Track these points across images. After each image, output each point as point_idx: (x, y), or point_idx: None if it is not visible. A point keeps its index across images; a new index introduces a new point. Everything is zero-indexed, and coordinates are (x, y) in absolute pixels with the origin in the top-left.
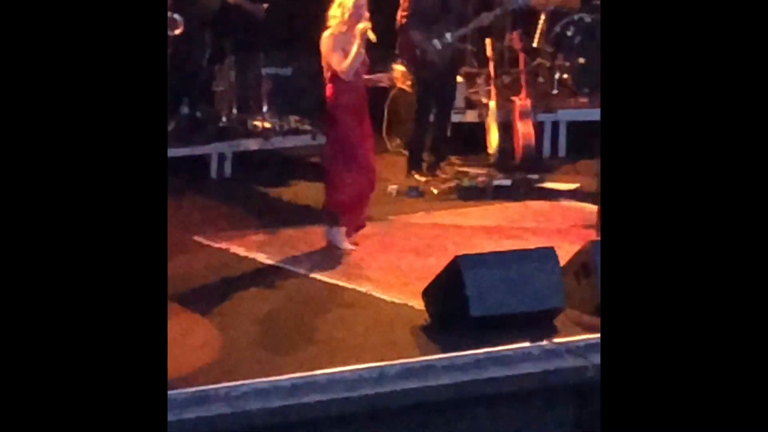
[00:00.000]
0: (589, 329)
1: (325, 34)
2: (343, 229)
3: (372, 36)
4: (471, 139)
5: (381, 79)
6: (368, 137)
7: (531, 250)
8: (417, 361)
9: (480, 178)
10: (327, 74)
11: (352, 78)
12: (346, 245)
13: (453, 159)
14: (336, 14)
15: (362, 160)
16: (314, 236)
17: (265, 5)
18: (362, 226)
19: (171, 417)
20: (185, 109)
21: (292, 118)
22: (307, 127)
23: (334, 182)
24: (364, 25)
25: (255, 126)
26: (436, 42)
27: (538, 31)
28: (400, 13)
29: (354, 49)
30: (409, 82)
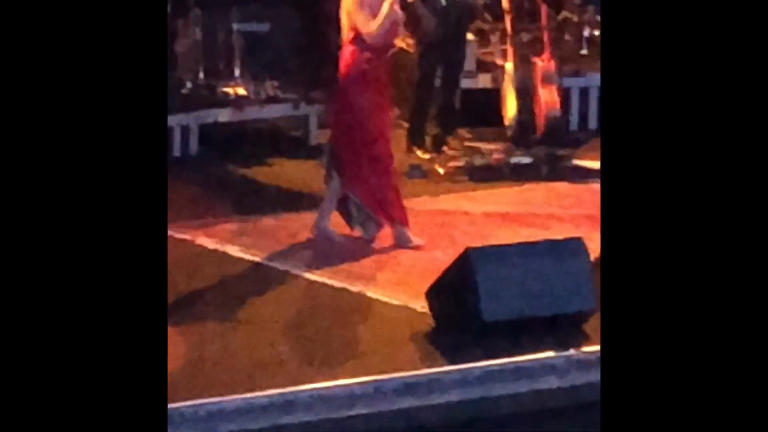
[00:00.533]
0: None
1: None
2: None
3: None
4: (484, 108)
5: None
6: (388, 120)
7: (555, 241)
8: (420, 375)
9: (494, 155)
10: (347, 35)
11: (380, 43)
12: (416, 240)
13: (462, 132)
14: None
15: (379, 148)
16: (297, 225)
17: None
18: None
19: None
20: None
21: (270, 84)
22: (289, 95)
23: (354, 175)
24: None
25: (226, 93)
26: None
27: None
28: None
29: (386, 6)
30: (409, 40)
